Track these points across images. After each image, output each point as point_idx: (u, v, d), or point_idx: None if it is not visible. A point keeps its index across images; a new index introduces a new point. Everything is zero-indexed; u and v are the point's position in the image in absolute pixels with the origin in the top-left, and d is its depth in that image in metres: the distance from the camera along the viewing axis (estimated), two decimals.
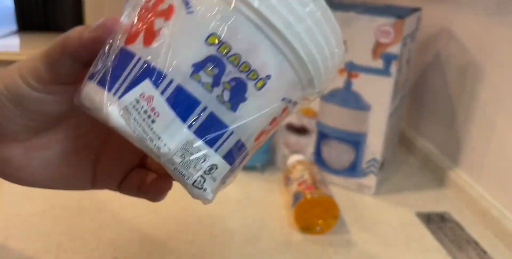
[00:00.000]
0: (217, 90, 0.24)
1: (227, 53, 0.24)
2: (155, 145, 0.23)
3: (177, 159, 0.24)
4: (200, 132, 0.24)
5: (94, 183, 0.30)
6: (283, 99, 0.27)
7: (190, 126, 0.24)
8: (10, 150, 0.27)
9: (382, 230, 0.58)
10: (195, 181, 0.26)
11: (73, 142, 0.29)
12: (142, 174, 0.30)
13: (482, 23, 0.64)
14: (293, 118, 0.68)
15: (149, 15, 0.25)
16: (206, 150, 0.25)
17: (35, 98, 0.26)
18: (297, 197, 0.56)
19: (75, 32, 0.27)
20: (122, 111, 0.23)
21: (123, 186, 0.30)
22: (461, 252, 0.54)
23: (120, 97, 0.23)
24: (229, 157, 0.27)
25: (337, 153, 0.66)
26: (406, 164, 0.77)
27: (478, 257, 0.53)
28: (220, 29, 0.24)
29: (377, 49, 0.59)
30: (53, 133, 0.28)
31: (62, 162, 0.29)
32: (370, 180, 0.65)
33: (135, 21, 0.26)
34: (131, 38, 0.25)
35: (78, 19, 2.27)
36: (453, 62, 0.71)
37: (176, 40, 0.24)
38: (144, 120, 0.23)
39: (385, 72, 0.59)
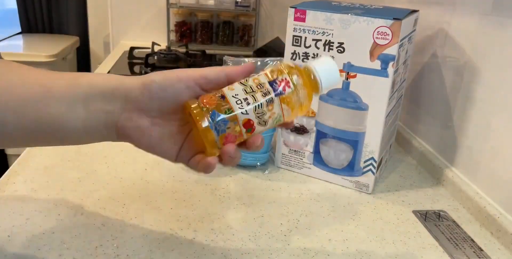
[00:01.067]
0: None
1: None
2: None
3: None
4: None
5: (177, 157, 0.44)
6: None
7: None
8: (142, 120, 0.42)
9: (379, 228, 0.58)
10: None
11: (177, 127, 0.43)
12: (201, 156, 0.43)
13: (478, 25, 0.65)
14: None
15: None
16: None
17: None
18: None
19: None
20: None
21: (190, 162, 0.44)
22: (457, 250, 0.55)
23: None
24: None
25: (336, 152, 0.67)
26: (403, 163, 0.78)
27: (475, 255, 0.54)
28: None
29: (375, 50, 0.60)
30: (168, 119, 0.43)
31: (168, 138, 0.43)
32: (368, 179, 0.66)
33: None
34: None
35: (81, 21, 2.28)
36: (449, 63, 0.72)
37: None
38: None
39: (382, 73, 0.60)
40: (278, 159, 0.72)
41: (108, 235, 0.53)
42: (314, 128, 0.68)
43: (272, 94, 0.40)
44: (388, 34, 0.58)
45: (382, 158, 0.69)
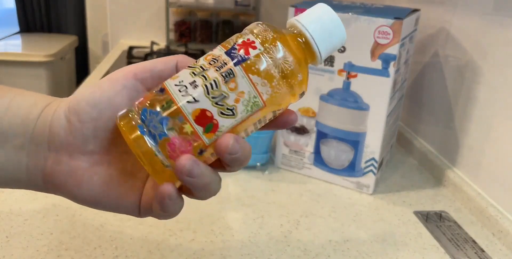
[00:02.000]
0: None
1: None
2: None
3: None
4: None
5: (141, 208, 0.30)
6: None
7: None
8: (76, 161, 0.29)
9: (380, 229, 0.58)
10: None
11: (133, 162, 0.30)
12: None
13: (479, 24, 0.65)
14: None
15: None
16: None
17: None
18: None
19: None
20: None
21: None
22: (459, 251, 0.55)
23: None
24: None
25: (336, 153, 0.66)
26: (404, 163, 0.78)
27: (476, 256, 0.54)
28: None
29: (376, 50, 0.59)
30: (116, 152, 0.30)
31: (121, 181, 0.30)
32: (369, 179, 0.66)
33: None
34: None
35: (79, 21, 2.28)
36: (451, 62, 0.72)
37: None
38: None
39: (383, 72, 0.60)
40: (278, 159, 0.72)
41: (107, 236, 0.52)
42: (315, 128, 0.67)
43: (230, 64, 0.27)
44: (389, 34, 0.58)
45: (383, 158, 0.68)
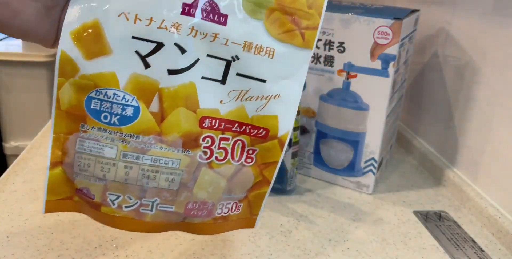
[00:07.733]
0: None
1: None
2: None
3: None
4: None
5: (56, 38, 0.36)
6: None
7: None
8: None
9: (380, 228, 0.58)
10: None
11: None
12: None
13: (479, 24, 0.65)
14: None
15: None
16: None
17: None
18: None
19: None
20: None
21: None
22: (458, 250, 0.55)
23: None
24: None
25: (336, 153, 0.67)
26: (404, 163, 0.78)
27: (476, 255, 0.54)
28: None
29: (375, 50, 0.60)
30: None
31: (47, 14, 0.35)
32: (368, 179, 0.66)
33: None
34: None
35: None
36: (450, 62, 0.72)
37: None
38: None
39: (383, 72, 0.60)
40: None
41: (107, 235, 0.53)
42: (314, 128, 0.68)
43: None
44: (389, 34, 0.58)
45: (382, 158, 0.68)
